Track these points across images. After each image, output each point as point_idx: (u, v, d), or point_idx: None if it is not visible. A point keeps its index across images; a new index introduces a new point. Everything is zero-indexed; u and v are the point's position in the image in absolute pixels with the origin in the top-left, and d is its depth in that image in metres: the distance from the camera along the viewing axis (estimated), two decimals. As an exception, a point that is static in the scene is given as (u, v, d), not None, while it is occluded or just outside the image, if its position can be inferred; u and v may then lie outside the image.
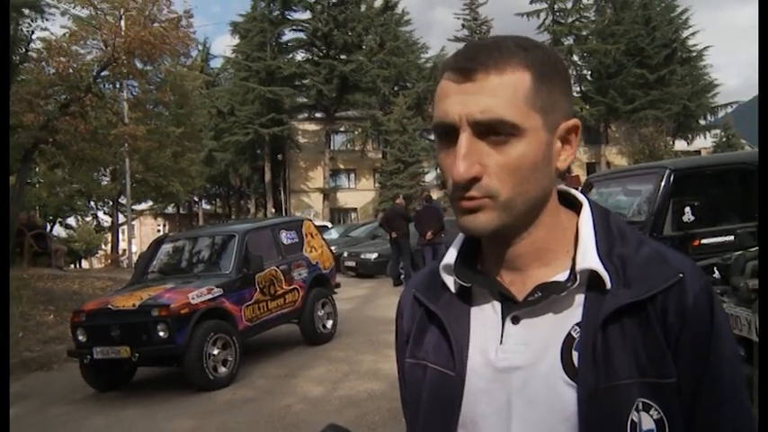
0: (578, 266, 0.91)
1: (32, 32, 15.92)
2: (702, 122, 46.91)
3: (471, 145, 0.88)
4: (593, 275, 0.91)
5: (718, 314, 0.90)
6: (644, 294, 0.88)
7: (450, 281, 1.00)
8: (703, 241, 6.21)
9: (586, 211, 0.98)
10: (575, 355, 0.89)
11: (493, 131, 0.87)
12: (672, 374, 0.88)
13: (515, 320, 0.94)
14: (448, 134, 0.90)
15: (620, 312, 0.88)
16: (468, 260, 1.01)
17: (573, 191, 1.02)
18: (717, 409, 0.89)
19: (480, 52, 0.89)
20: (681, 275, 0.89)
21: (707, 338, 0.89)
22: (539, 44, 0.94)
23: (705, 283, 0.91)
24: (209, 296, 7.40)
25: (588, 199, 1.00)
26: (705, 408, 0.89)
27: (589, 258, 0.91)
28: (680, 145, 43.87)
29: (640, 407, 0.86)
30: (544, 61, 0.91)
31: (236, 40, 45.90)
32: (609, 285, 0.89)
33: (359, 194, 44.88)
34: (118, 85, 22.07)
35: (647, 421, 0.86)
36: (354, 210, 44.95)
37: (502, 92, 0.87)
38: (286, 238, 9.13)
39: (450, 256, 1.01)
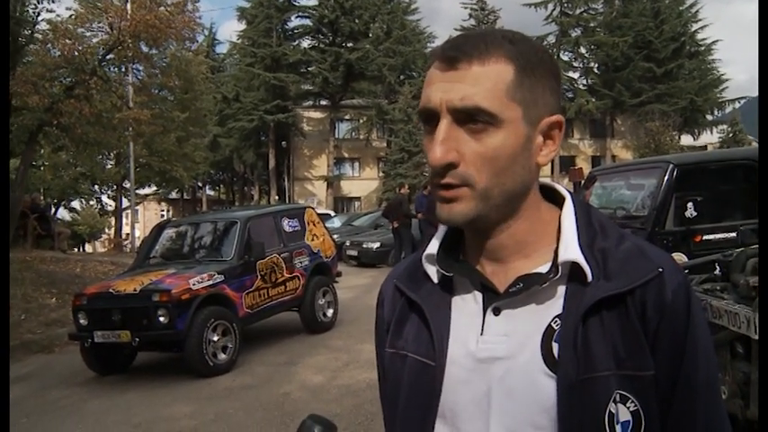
0: (560, 258, 0.92)
1: (38, 14, 15.85)
2: (709, 117, 46.70)
3: (450, 131, 0.89)
4: (574, 268, 0.92)
5: (695, 309, 0.92)
6: (624, 287, 0.90)
7: (432, 270, 1.00)
8: (705, 237, 6.18)
9: (568, 206, 0.98)
10: (555, 346, 0.90)
11: (471, 119, 0.89)
12: (649, 367, 0.89)
13: (496, 311, 0.95)
14: (430, 120, 0.92)
15: (600, 305, 0.89)
16: (451, 251, 1.01)
17: (555, 185, 1.03)
18: (691, 401, 0.91)
19: (466, 42, 0.91)
20: (660, 270, 0.91)
21: (684, 332, 0.90)
22: (528, 39, 0.95)
23: (683, 278, 0.93)
24: (210, 282, 7.42)
25: (570, 193, 1.01)
26: (680, 400, 0.90)
27: (571, 251, 0.92)
28: (686, 140, 43.72)
29: (618, 399, 0.88)
30: (529, 55, 0.92)
31: (243, 26, 45.89)
32: (590, 278, 0.91)
33: (363, 183, 44.88)
34: (123, 69, 22.01)
35: (623, 413, 0.88)
36: (358, 198, 44.96)
37: (483, 81, 0.88)
38: (288, 225, 9.13)
39: (433, 247, 1.01)
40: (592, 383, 0.87)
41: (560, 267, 0.92)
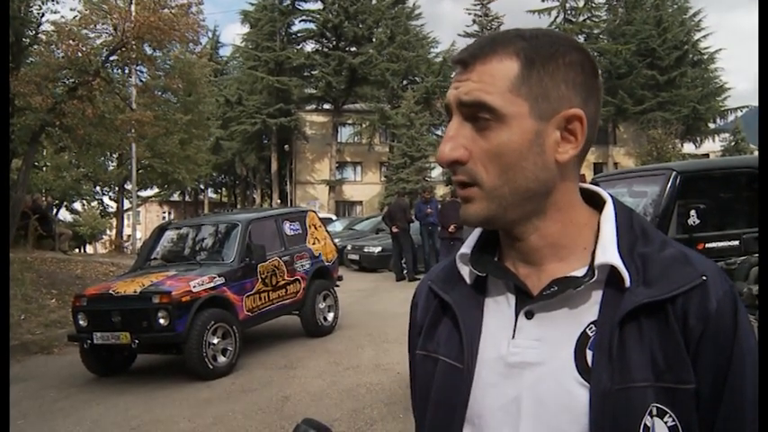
0: (597, 261, 0.89)
1: (43, 15, 15.87)
2: (712, 126, 46.72)
3: (460, 129, 0.90)
4: (612, 272, 0.88)
5: (742, 320, 0.87)
6: (664, 294, 0.85)
7: (465, 270, 0.99)
8: (708, 245, 6.15)
9: (609, 209, 0.95)
10: (589, 353, 0.87)
11: (477, 115, 0.89)
12: (690, 381, 0.84)
13: (529, 315, 0.92)
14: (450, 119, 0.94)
15: (638, 311, 0.85)
16: (486, 252, 1.00)
17: (596, 188, 1.00)
18: (738, 419, 0.86)
19: (476, 44, 0.92)
20: (704, 278, 0.86)
21: (730, 345, 0.85)
22: (547, 33, 0.92)
23: (729, 288, 0.88)
24: (211, 284, 7.40)
25: (612, 197, 0.98)
26: (725, 417, 0.85)
27: (609, 254, 0.89)
28: (688, 148, 43.72)
29: (654, 412, 0.84)
30: (541, 48, 0.89)
31: (246, 29, 45.97)
32: (628, 283, 0.87)
33: (365, 188, 44.88)
34: (126, 71, 22.06)
35: (660, 427, 0.84)
36: (360, 203, 44.99)
37: (485, 77, 0.88)
38: (289, 228, 9.12)
39: (468, 247, 1.00)
40: (627, 394, 0.84)
41: (597, 271, 0.88)
